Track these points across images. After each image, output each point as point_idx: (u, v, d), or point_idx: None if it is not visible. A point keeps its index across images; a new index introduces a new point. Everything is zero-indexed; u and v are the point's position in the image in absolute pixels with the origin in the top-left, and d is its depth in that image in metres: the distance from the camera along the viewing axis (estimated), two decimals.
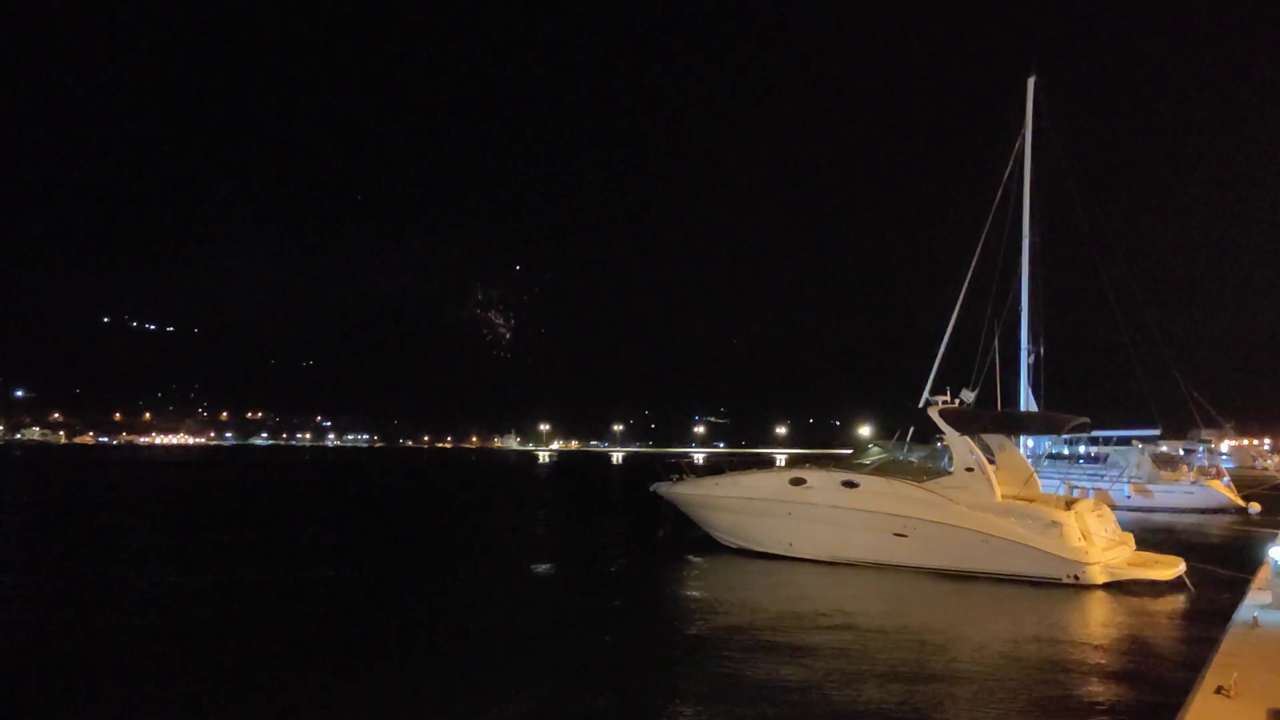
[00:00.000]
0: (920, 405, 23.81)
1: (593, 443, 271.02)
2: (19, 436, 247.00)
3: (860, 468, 22.56)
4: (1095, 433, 41.62)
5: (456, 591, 18.47)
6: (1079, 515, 19.69)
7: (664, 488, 25.46)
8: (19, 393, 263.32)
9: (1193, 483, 41.89)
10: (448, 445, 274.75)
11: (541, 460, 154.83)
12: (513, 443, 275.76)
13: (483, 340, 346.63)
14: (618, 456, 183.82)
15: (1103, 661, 12.66)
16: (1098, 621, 15.90)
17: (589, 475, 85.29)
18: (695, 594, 18.34)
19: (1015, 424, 27.04)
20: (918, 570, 20.21)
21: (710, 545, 24.15)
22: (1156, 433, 47.32)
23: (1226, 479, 44.16)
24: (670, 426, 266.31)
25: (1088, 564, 18.79)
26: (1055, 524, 19.19)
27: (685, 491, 24.95)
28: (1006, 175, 38.96)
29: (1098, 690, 11.11)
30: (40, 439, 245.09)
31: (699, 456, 72.68)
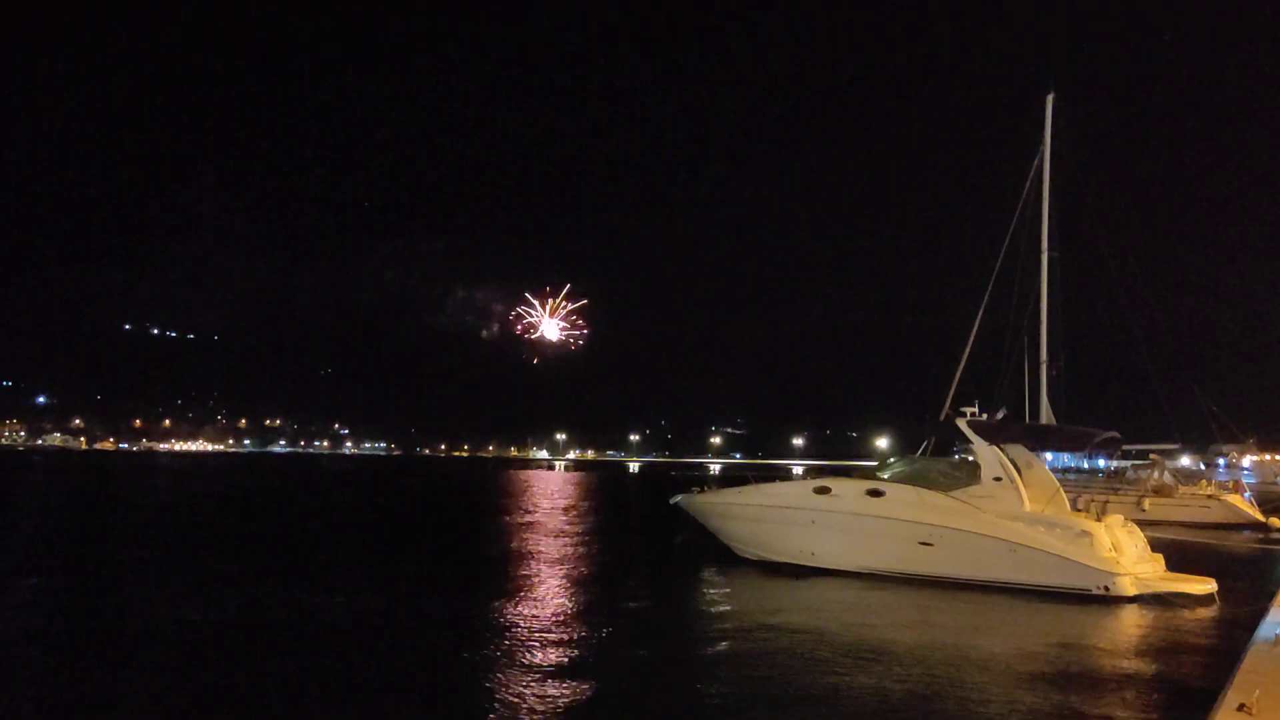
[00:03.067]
0: (944, 416, 23.84)
1: (609, 452, 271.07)
2: (40, 442, 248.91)
3: (887, 477, 22.48)
4: None
5: (466, 605, 18.32)
6: (1109, 528, 19.62)
7: (685, 499, 25.56)
8: (40, 399, 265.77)
9: (1209, 497, 41.62)
10: (464, 454, 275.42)
11: (557, 469, 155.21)
12: (530, 452, 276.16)
13: (499, 349, 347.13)
14: (634, 466, 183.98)
15: (1126, 676, 12.74)
16: (1124, 634, 15.94)
17: (605, 484, 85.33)
18: (715, 606, 18.33)
19: (1044, 437, 26.91)
20: (944, 580, 20.12)
21: (729, 557, 24.11)
22: (1175, 447, 47.15)
23: (1248, 494, 43.84)
24: (686, 437, 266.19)
25: (1119, 575, 18.63)
26: (1086, 534, 19.09)
27: (705, 501, 24.97)
28: (1025, 191, 39.13)
29: (1119, 705, 11.21)
30: (61, 445, 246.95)
31: (715, 467, 72.68)
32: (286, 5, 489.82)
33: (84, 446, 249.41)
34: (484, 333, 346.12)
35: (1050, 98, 41.66)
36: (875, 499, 21.42)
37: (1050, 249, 41.36)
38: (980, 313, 36.11)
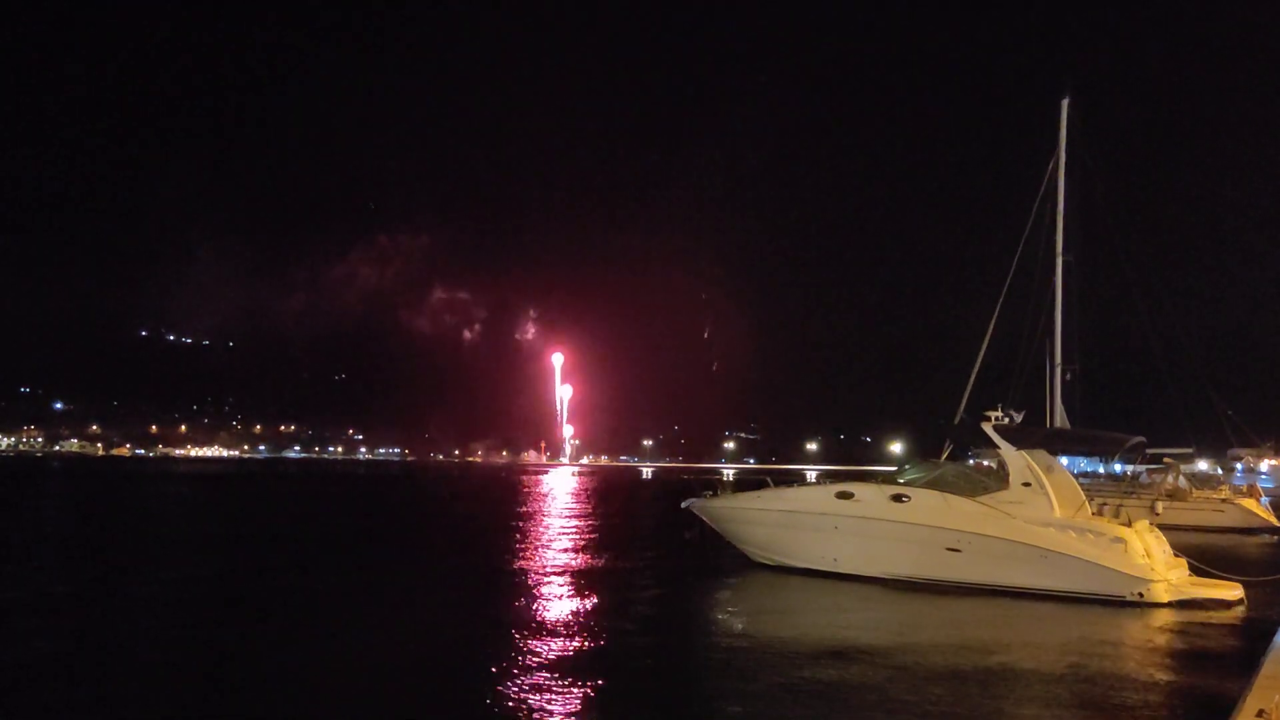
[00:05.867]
0: (959, 421, 23.74)
1: (622, 458, 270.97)
2: (58, 448, 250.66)
3: (911, 481, 22.24)
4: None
5: (472, 605, 18.36)
6: (1139, 533, 19.47)
7: (697, 504, 25.32)
8: (58, 405, 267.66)
9: (1223, 501, 41.28)
10: (478, 459, 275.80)
11: (571, 475, 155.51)
12: (542, 457, 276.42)
13: (512, 354, 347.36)
14: (647, 472, 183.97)
15: (1147, 681, 12.78)
16: (1148, 640, 15.90)
17: (617, 488, 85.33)
18: (734, 613, 18.19)
19: (1071, 442, 26.68)
20: (972, 587, 19.93)
21: (744, 562, 23.94)
22: (1190, 451, 46.91)
23: (1265, 499, 43.50)
24: (700, 442, 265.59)
25: (1153, 581, 18.51)
26: (1119, 540, 18.92)
27: (721, 506, 24.70)
28: (1041, 195, 39.05)
29: (1138, 711, 11.23)
30: (78, 451, 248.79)
31: (729, 472, 72.55)
32: (293, 15, 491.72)
33: (100, 453, 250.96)
34: (465, 334, 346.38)
35: (1065, 101, 41.58)
36: (900, 504, 21.21)
37: (1065, 253, 41.26)
38: (995, 317, 36.02)
